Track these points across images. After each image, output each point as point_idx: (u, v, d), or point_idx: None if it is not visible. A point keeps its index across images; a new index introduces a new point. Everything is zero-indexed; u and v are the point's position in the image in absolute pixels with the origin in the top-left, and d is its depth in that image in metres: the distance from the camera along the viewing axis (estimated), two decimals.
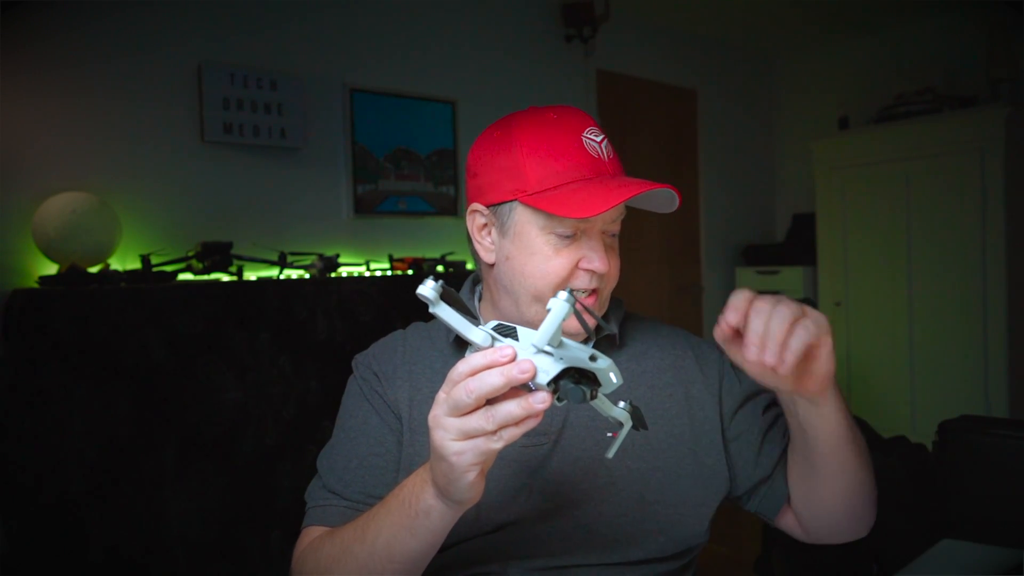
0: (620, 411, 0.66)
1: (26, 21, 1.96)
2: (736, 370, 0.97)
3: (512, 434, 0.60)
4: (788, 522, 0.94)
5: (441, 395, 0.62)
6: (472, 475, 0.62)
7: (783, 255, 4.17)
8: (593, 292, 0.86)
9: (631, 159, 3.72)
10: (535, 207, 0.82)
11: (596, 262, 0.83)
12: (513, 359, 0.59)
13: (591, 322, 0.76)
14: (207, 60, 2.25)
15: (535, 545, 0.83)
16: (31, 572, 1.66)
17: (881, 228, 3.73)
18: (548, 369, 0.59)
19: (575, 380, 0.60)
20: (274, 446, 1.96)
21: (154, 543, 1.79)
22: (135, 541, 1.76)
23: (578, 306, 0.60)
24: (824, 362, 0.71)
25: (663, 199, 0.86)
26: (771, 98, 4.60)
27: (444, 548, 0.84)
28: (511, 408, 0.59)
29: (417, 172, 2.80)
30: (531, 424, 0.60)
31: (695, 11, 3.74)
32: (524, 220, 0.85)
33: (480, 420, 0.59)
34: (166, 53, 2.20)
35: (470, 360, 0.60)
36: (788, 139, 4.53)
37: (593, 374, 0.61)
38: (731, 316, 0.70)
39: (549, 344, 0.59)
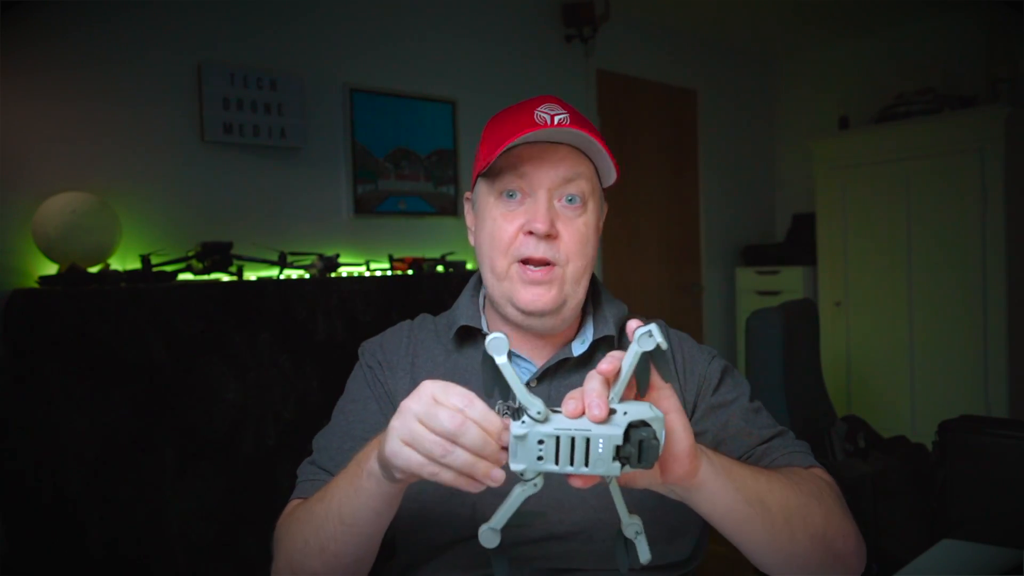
0: (631, 522, 0.62)
1: (26, 21, 1.96)
2: (721, 383, 0.94)
3: (451, 478, 0.59)
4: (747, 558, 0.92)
5: (428, 395, 0.60)
6: (399, 475, 0.62)
7: (783, 255, 4.17)
8: (546, 265, 0.84)
9: (631, 159, 3.72)
10: (478, 174, 0.87)
11: (535, 222, 0.83)
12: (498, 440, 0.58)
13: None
14: (207, 60, 2.25)
15: (534, 548, 0.83)
16: (31, 572, 1.66)
17: (881, 228, 3.73)
18: (615, 430, 0.56)
19: (640, 439, 0.57)
20: (274, 446, 1.96)
21: (154, 543, 1.79)
22: (135, 541, 1.76)
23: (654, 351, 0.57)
24: (677, 438, 0.64)
25: (608, 167, 0.87)
26: (771, 98, 4.60)
27: (443, 547, 0.84)
28: (470, 461, 0.58)
29: (417, 172, 2.80)
30: (470, 487, 0.59)
31: (695, 11, 3.74)
32: (481, 192, 0.89)
33: (437, 448, 0.58)
34: (166, 53, 2.20)
35: (477, 405, 0.58)
36: (788, 139, 4.53)
37: (651, 429, 0.57)
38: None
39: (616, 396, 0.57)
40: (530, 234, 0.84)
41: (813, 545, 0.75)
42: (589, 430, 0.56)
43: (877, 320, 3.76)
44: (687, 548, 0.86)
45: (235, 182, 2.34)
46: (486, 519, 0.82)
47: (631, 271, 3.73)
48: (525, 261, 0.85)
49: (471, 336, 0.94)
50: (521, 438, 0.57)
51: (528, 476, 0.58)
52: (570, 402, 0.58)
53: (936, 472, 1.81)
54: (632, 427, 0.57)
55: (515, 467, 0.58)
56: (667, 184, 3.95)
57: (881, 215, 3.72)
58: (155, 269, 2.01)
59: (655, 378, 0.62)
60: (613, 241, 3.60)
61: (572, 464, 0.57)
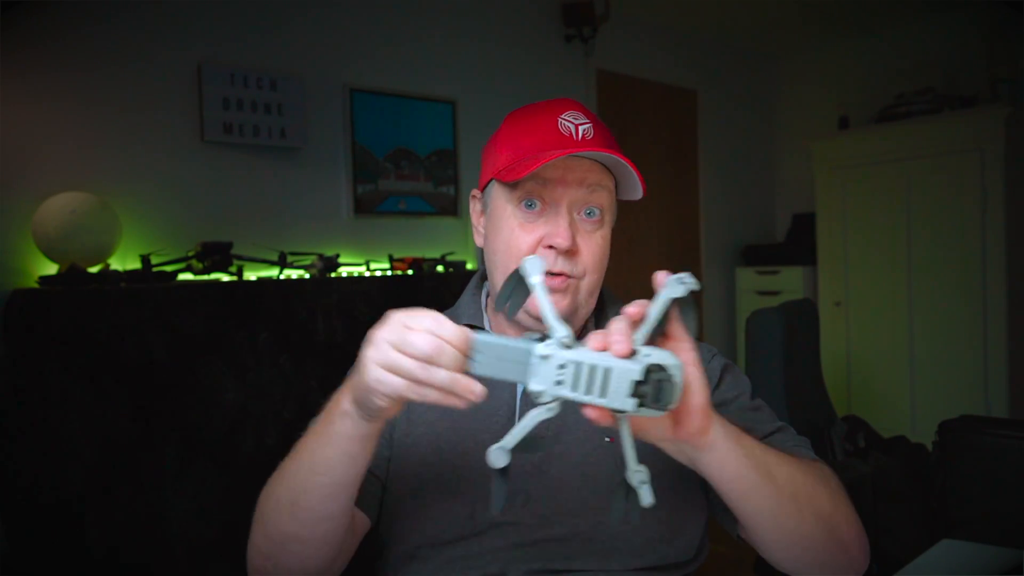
0: (638, 469, 0.62)
1: (26, 21, 1.96)
2: (721, 381, 0.93)
3: (434, 397, 0.61)
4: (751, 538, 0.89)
5: (397, 322, 0.62)
6: (383, 403, 0.63)
7: (783, 255, 4.17)
8: (562, 276, 0.84)
9: (631, 159, 3.72)
10: (497, 179, 0.86)
11: (556, 237, 0.82)
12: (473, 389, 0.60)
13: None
14: (207, 60, 2.25)
15: (534, 550, 0.82)
16: (31, 572, 1.66)
17: (881, 228, 3.73)
18: (635, 366, 0.57)
19: (659, 379, 0.57)
20: (274, 446, 1.96)
21: (154, 543, 1.79)
22: (135, 541, 1.76)
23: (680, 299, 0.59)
24: (693, 391, 0.64)
25: (631, 183, 0.86)
26: (771, 98, 4.60)
27: (441, 545, 0.84)
28: (445, 377, 0.60)
29: (417, 172, 2.80)
30: (451, 402, 0.61)
31: (695, 11, 3.74)
32: (497, 196, 0.88)
33: (419, 370, 0.60)
34: (166, 53, 2.20)
35: (446, 325, 0.61)
36: (788, 139, 4.53)
37: (667, 374, 0.58)
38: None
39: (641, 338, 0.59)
40: (549, 248, 0.83)
41: (818, 526, 0.75)
42: (610, 362, 0.57)
43: (877, 320, 3.76)
44: (691, 549, 0.86)
45: (235, 182, 2.34)
46: (486, 518, 0.83)
47: (631, 271, 3.73)
48: None
49: None
50: (545, 358, 0.58)
51: (545, 399, 0.59)
52: (596, 337, 0.59)
53: (936, 472, 1.81)
54: (651, 369, 0.58)
55: (534, 387, 0.58)
56: (667, 184, 3.95)
57: (881, 215, 3.72)
58: (155, 269, 2.01)
59: (678, 329, 0.63)
60: (613, 241, 3.58)
61: (589, 394, 0.58)
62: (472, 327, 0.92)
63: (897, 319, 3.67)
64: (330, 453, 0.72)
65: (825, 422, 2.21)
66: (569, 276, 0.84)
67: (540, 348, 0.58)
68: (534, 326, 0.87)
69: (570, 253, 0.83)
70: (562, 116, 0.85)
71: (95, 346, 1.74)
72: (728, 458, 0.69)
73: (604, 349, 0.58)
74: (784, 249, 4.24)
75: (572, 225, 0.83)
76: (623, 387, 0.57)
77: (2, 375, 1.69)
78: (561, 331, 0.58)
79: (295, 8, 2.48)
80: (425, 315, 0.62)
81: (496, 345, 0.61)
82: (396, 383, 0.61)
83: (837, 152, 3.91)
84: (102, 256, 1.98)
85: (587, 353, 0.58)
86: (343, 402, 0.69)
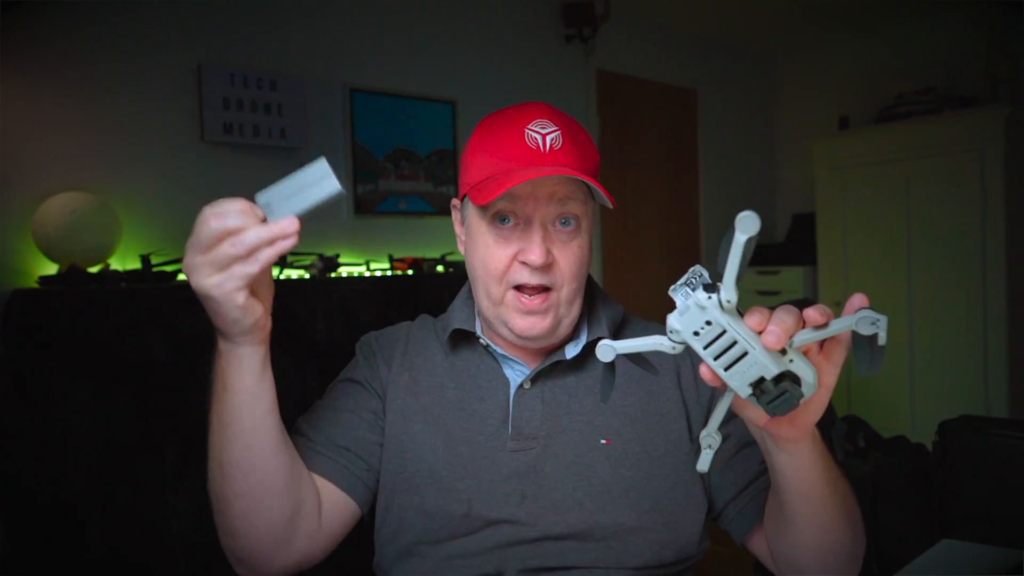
0: (711, 434, 0.62)
1: (26, 21, 1.96)
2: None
3: (267, 255, 0.62)
4: (758, 547, 0.89)
5: (189, 243, 0.63)
6: (240, 298, 0.64)
7: (783, 255, 4.17)
8: (542, 290, 0.84)
9: (631, 159, 3.72)
10: (468, 196, 0.86)
11: (529, 253, 0.82)
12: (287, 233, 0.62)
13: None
14: (207, 60, 2.25)
15: (530, 548, 0.83)
16: (31, 572, 1.66)
17: (881, 228, 3.73)
18: (773, 365, 0.56)
19: (784, 389, 0.56)
20: None
21: (154, 543, 1.79)
22: (135, 541, 1.76)
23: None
24: (809, 410, 0.64)
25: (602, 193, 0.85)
26: (771, 98, 4.60)
27: (437, 543, 0.84)
28: (260, 232, 0.61)
29: (417, 172, 2.80)
30: (282, 247, 0.62)
31: (695, 11, 3.74)
32: (472, 212, 0.88)
33: (229, 248, 0.61)
34: (166, 53, 2.20)
35: (220, 202, 0.61)
36: (788, 139, 4.53)
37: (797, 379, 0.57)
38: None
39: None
40: (524, 263, 0.83)
41: (848, 541, 0.78)
42: (753, 347, 0.56)
43: None
44: (689, 548, 0.86)
45: (235, 182, 2.34)
46: (482, 516, 0.83)
47: (631, 272, 3.73)
48: (519, 287, 0.84)
49: (466, 339, 0.94)
50: (701, 308, 0.57)
51: (675, 339, 0.59)
52: (757, 316, 0.57)
53: (936, 472, 1.81)
54: (785, 375, 0.57)
55: (673, 324, 0.58)
56: (667, 184, 3.95)
57: (881, 215, 3.73)
58: (155, 269, 2.00)
59: (838, 355, 0.61)
60: (613, 242, 3.60)
61: (715, 360, 0.57)
62: (463, 332, 0.93)
63: (897, 319, 3.67)
64: (228, 400, 0.74)
65: (825, 422, 2.21)
66: (548, 289, 0.84)
67: (702, 299, 0.57)
68: (518, 342, 0.87)
69: (546, 267, 0.83)
70: (529, 127, 0.84)
71: (95, 346, 1.74)
72: (805, 467, 0.70)
73: (759, 332, 0.56)
74: (784, 249, 4.24)
75: (547, 238, 0.83)
76: (749, 374, 0.57)
77: (2, 375, 1.69)
78: (729, 293, 0.57)
79: (295, 8, 2.48)
80: (203, 210, 0.63)
81: (278, 187, 0.63)
82: (228, 277, 0.62)
83: (837, 152, 3.91)
84: (102, 256, 1.98)
85: (738, 326, 0.57)
86: (217, 345, 0.72)
